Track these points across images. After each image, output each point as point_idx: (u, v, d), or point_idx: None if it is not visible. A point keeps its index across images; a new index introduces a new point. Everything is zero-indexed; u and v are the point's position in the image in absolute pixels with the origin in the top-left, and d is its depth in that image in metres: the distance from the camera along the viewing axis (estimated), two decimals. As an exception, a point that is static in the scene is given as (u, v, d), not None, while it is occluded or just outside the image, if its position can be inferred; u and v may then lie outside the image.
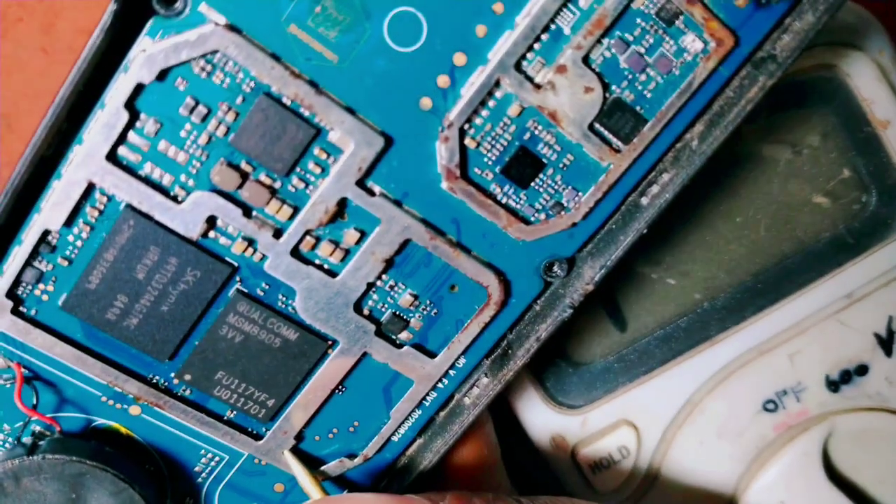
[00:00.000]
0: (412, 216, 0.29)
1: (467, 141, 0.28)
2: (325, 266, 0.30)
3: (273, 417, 0.32)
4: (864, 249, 0.38)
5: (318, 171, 0.28)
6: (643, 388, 0.39)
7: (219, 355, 0.30)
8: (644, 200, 0.30)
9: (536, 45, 0.27)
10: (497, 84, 0.27)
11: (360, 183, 0.28)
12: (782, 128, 0.37)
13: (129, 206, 0.27)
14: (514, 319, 0.32)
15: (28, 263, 0.28)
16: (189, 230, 0.28)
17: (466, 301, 0.31)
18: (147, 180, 0.27)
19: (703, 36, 0.28)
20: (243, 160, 0.27)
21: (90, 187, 0.27)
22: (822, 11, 0.28)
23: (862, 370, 0.39)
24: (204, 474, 0.33)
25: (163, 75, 0.26)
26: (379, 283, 0.30)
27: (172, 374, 0.30)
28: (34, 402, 0.30)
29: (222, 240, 0.28)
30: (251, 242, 0.28)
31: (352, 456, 0.33)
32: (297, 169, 0.28)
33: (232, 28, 0.25)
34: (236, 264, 0.29)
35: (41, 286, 0.28)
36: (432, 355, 0.32)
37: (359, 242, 0.29)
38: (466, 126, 0.28)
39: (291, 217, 0.28)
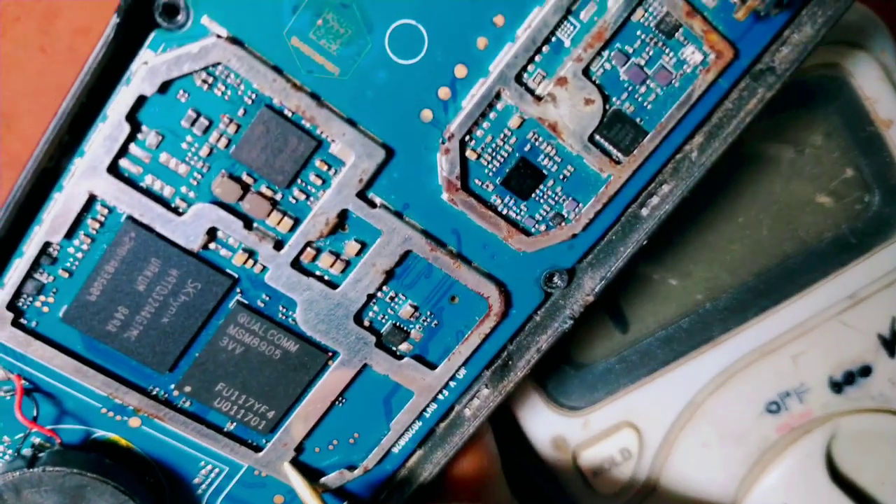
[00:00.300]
0: (413, 227, 0.29)
1: (468, 152, 0.28)
2: (326, 277, 0.30)
3: (273, 429, 0.32)
4: (867, 249, 0.38)
5: (319, 182, 0.28)
6: (645, 389, 0.39)
7: (219, 367, 0.30)
8: (644, 212, 0.30)
9: (537, 58, 0.27)
10: (498, 96, 0.27)
11: (361, 194, 0.28)
12: (785, 127, 0.37)
13: (130, 218, 0.27)
14: (514, 330, 0.32)
15: (29, 275, 0.28)
16: (190, 242, 0.28)
17: (467, 312, 0.31)
18: (148, 192, 0.27)
19: (703, 48, 0.28)
20: (244, 172, 0.27)
21: (91, 199, 0.27)
22: (821, 24, 0.28)
23: (865, 371, 0.39)
24: (204, 486, 0.33)
25: (165, 87, 0.26)
26: (379, 294, 0.30)
27: (172, 386, 0.30)
28: (34, 414, 0.30)
29: (223, 251, 0.28)
30: (252, 254, 0.28)
31: (352, 468, 0.33)
32: (299, 181, 0.28)
33: (234, 41, 0.25)
34: (237, 276, 0.29)
35: (42, 298, 0.28)
36: (433, 367, 0.32)
37: (359, 254, 0.29)
38: (467, 138, 0.28)
39: (292, 229, 0.28)
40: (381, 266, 0.29)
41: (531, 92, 0.28)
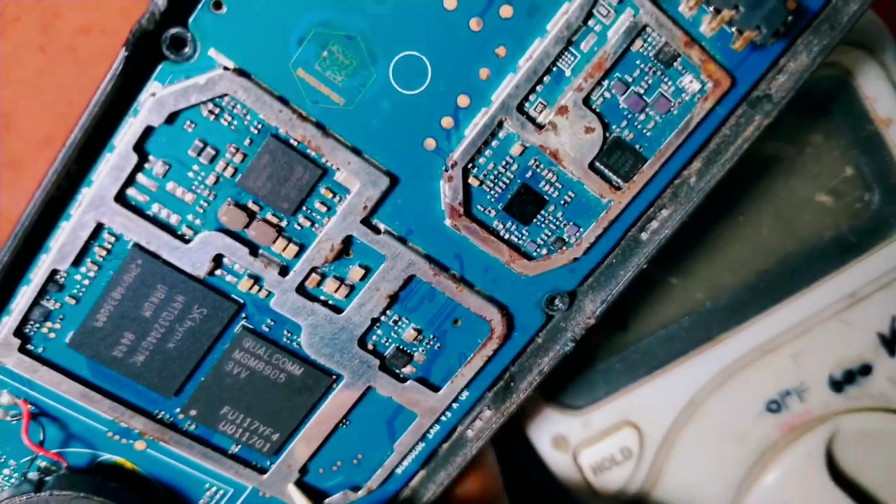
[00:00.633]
0: (416, 253, 0.29)
1: (470, 179, 0.29)
2: (331, 302, 0.30)
3: (278, 451, 0.32)
4: (867, 248, 0.38)
5: (324, 209, 0.28)
6: (645, 388, 0.39)
7: (224, 391, 0.30)
8: (644, 236, 0.31)
9: (538, 87, 0.28)
10: (500, 125, 0.28)
11: (366, 221, 0.28)
12: (785, 126, 0.37)
13: (137, 246, 0.27)
14: (516, 352, 0.33)
15: (36, 302, 0.28)
16: (196, 269, 0.28)
17: (469, 335, 0.32)
18: (155, 220, 0.27)
19: (701, 77, 0.28)
20: (250, 200, 0.28)
21: (98, 227, 0.27)
22: (817, 52, 0.28)
23: (865, 370, 0.39)
24: (208, 508, 0.33)
25: (172, 118, 0.26)
26: (383, 318, 0.31)
27: (178, 410, 0.31)
28: (41, 438, 0.30)
29: (229, 277, 0.29)
30: (257, 280, 0.29)
31: (356, 488, 0.34)
32: (304, 208, 0.28)
33: (241, 72, 0.26)
34: (242, 301, 0.29)
35: (49, 324, 0.28)
36: (436, 389, 0.32)
37: (364, 279, 0.30)
38: (470, 165, 0.28)
39: (298, 255, 0.29)
40: (384, 291, 0.30)
41: (532, 121, 0.28)
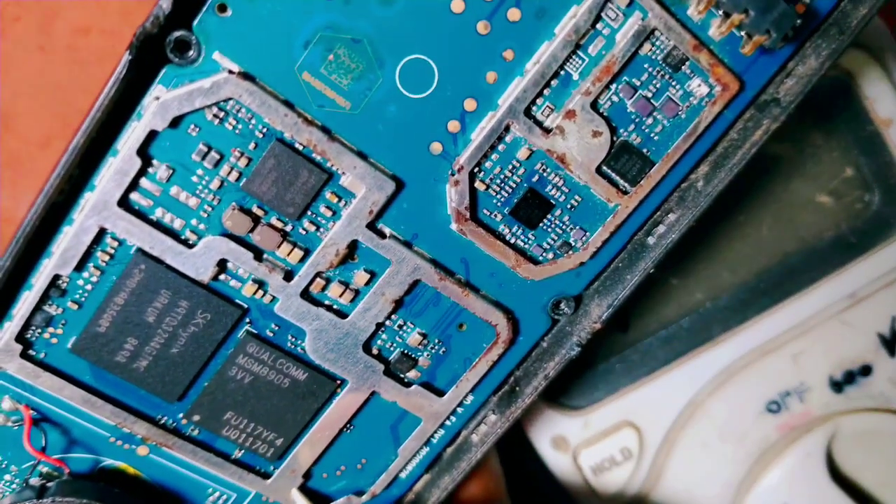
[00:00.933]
0: (422, 257, 0.29)
1: (477, 184, 0.28)
2: (335, 307, 0.30)
3: (281, 456, 0.32)
4: (867, 249, 0.38)
5: (329, 214, 0.28)
6: (645, 388, 0.39)
7: (228, 396, 0.30)
8: (650, 240, 0.31)
9: (546, 91, 0.27)
10: (507, 129, 0.28)
11: (371, 226, 0.28)
12: (785, 126, 0.37)
13: (140, 251, 0.27)
14: (521, 357, 0.32)
15: (38, 307, 0.28)
16: (200, 274, 0.28)
17: (475, 339, 0.31)
18: (158, 225, 0.27)
19: (709, 81, 0.28)
20: (255, 204, 0.27)
21: (101, 232, 0.27)
22: (825, 57, 0.28)
23: (865, 370, 0.39)
24: (211, 513, 0.33)
25: (176, 122, 0.26)
26: (388, 322, 0.30)
27: (181, 415, 0.30)
28: (43, 444, 0.30)
29: (233, 282, 0.28)
30: (262, 285, 0.29)
31: (359, 493, 0.34)
32: (309, 212, 0.28)
33: (245, 76, 0.25)
34: (246, 306, 0.29)
35: (51, 329, 0.28)
36: (440, 393, 0.32)
37: (369, 283, 0.29)
38: (476, 169, 0.28)
39: (302, 259, 0.28)
40: (390, 295, 0.29)
41: (540, 125, 0.28)
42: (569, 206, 0.30)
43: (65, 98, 0.40)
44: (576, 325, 0.32)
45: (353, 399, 0.31)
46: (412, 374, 0.32)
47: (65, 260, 0.27)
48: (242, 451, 0.32)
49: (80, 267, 0.27)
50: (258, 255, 0.28)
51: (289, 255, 0.28)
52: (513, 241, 0.30)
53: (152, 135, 0.26)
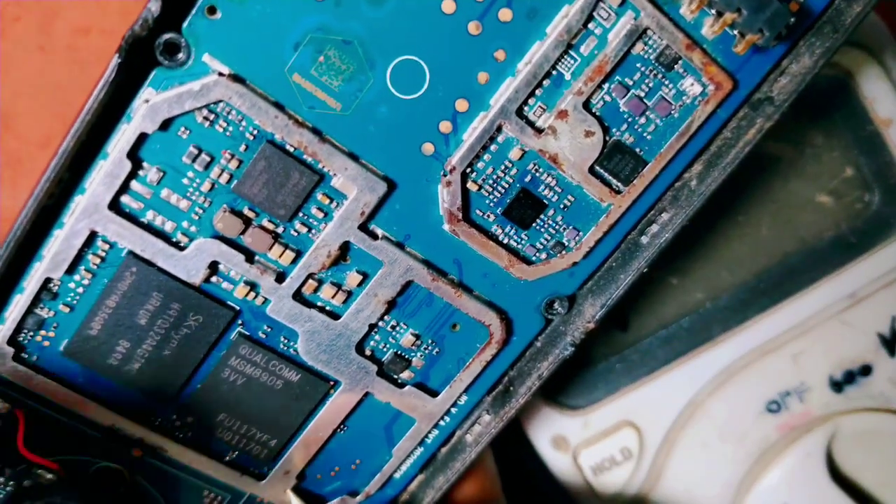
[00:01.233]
0: (414, 258, 0.29)
1: (469, 184, 0.28)
2: (328, 308, 0.30)
3: (275, 457, 0.32)
4: (867, 249, 0.38)
5: (321, 215, 0.28)
6: (645, 388, 0.39)
7: (221, 398, 0.30)
8: (644, 239, 0.30)
9: (538, 91, 0.27)
10: (499, 129, 0.27)
11: (363, 227, 0.28)
12: (784, 126, 0.37)
13: (132, 254, 0.27)
14: (515, 357, 0.32)
15: (29, 311, 0.28)
16: (191, 276, 0.28)
17: (468, 340, 0.31)
18: (149, 228, 0.27)
19: (702, 80, 0.28)
20: (246, 206, 0.27)
21: (92, 235, 0.27)
22: (820, 55, 0.28)
23: (866, 370, 0.39)
24: (206, 514, 0.33)
25: (166, 125, 0.26)
26: (381, 323, 0.30)
27: (174, 417, 0.30)
28: (36, 446, 0.29)
29: (225, 284, 0.28)
30: (253, 286, 0.28)
31: (354, 493, 0.34)
32: (301, 214, 0.28)
33: (235, 78, 0.25)
34: (238, 308, 0.29)
35: (43, 332, 0.28)
36: (434, 394, 0.32)
37: (361, 285, 0.29)
38: (468, 170, 0.28)
39: (294, 261, 0.28)
40: (382, 296, 0.29)
41: (532, 125, 0.28)
42: (562, 206, 0.29)
43: (65, 98, 0.40)
44: (570, 325, 0.32)
45: (347, 400, 0.31)
46: (406, 375, 0.31)
47: (56, 263, 0.27)
48: (236, 453, 0.32)
49: (71, 270, 0.27)
50: (250, 256, 0.28)
51: (280, 256, 0.28)
52: (506, 241, 0.30)
53: (142, 137, 0.26)
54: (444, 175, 0.28)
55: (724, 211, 0.38)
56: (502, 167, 0.28)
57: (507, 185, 0.29)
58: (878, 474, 0.40)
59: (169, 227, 0.27)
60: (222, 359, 0.30)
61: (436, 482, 0.34)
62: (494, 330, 0.31)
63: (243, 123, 0.26)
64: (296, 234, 0.28)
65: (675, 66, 0.28)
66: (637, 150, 0.29)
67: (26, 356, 0.28)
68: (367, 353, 0.31)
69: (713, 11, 0.27)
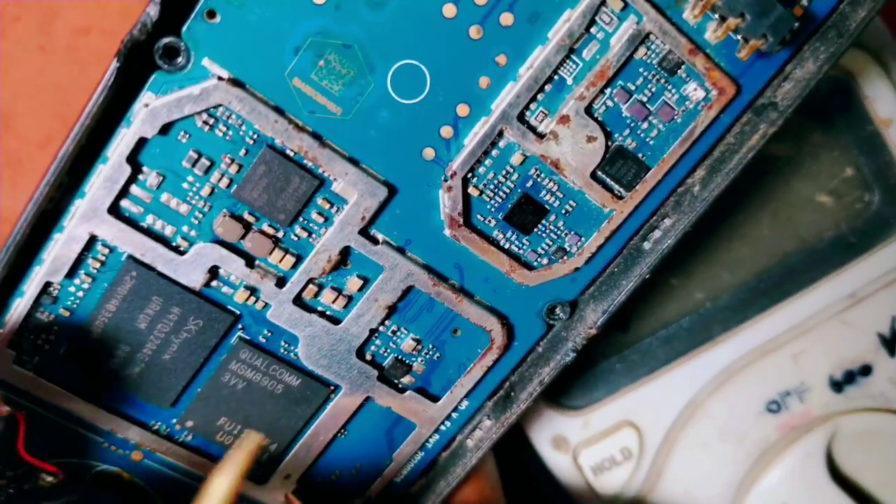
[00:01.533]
0: (415, 263, 0.29)
1: (470, 189, 0.28)
2: (328, 313, 0.30)
3: (276, 462, 0.32)
4: (867, 249, 0.38)
5: (321, 220, 0.28)
6: (645, 388, 0.39)
7: (221, 402, 0.30)
8: (646, 245, 0.30)
9: (539, 96, 0.27)
10: (500, 134, 0.27)
11: (364, 232, 0.28)
12: (784, 126, 0.37)
13: (131, 258, 0.27)
14: (516, 362, 0.32)
15: (30, 314, 0.27)
16: (191, 280, 0.28)
17: (469, 345, 0.31)
18: (149, 232, 0.27)
19: (705, 85, 0.28)
20: (246, 211, 0.27)
21: (92, 239, 0.27)
22: (824, 60, 0.28)
23: (866, 370, 0.38)
24: (206, 517, 0.33)
25: (165, 129, 0.25)
26: (381, 328, 0.30)
27: (175, 421, 0.30)
28: (37, 449, 0.29)
29: (225, 289, 0.28)
30: (254, 291, 0.28)
31: (354, 498, 0.33)
32: (301, 219, 0.28)
33: (235, 82, 0.25)
34: (239, 312, 0.29)
35: (43, 336, 0.28)
36: (435, 399, 0.32)
37: (362, 289, 0.29)
38: (469, 175, 0.28)
39: (294, 266, 0.28)
40: (383, 301, 0.29)
41: (533, 130, 0.27)
42: (563, 212, 0.29)
43: (65, 98, 0.40)
44: (571, 331, 0.31)
45: (348, 404, 0.31)
46: (406, 380, 0.31)
47: (56, 267, 0.27)
48: (236, 457, 0.32)
49: (71, 274, 0.27)
50: (250, 261, 0.28)
51: (281, 261, 0.28)
52: (507, 246, 0.30)
53: (142, 142, 0.26)
54: (445, 180, 0.28)
55: (724, 211, 0.37)
56: (503, 172, 0.28)
57: (508, 191, 0.29)
58: (878, 474, 0.39)
59: (169, 231, 0.27)
60: (223, 363, 0.30)
61: (437, 487, 0.34)
62: (495, 335, 0.31)
63: (243, 128, 0.26)
64: (296, 238, 0.28)
65: (678, 71, 0.27)
66: (639, 155, 0.29)
67: (27, 359, 0.28)
68: (368, 357, 0.31)
69: (716, 16, 0.26)
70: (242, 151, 0.26)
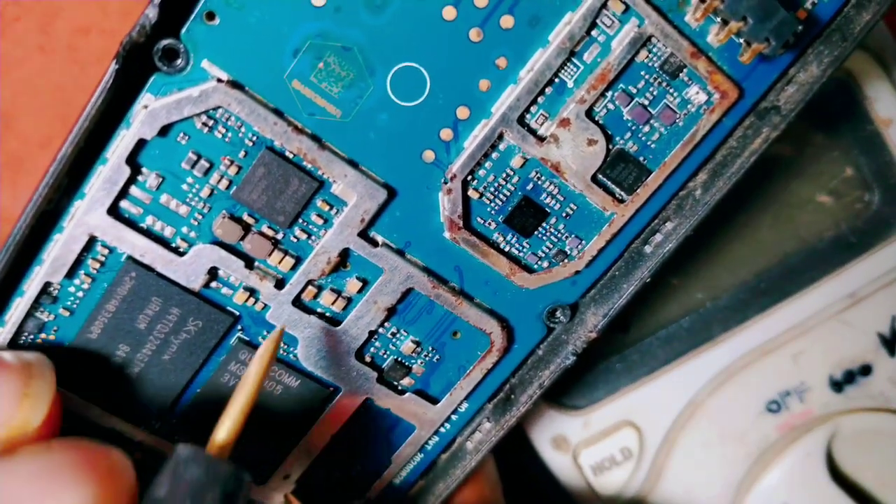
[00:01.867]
0: (415, 265, 0.29)
1: (470, 192, 0.28)
2: (327, 315, 0.29)
3: (275, 462, 0.32)
4: (867, 248, 0.38)
5: (320, 222, 0.28)
6: (645, 388, 0.39)
7: (220, 402, 0.30)
8: (647, 249, 0.30)
9: (540, 99, 0.27)
10: (500, 137, 0.27)
11: (363, 234, 0.28)
12: (784, 131, 0.37)
13: (131, 258, 0.27)
14: (516, 365, 0.32)
15: (30, 314, 0.28)
16: (191, 281, 0.28)
17: (469, 347, 0.31)
18: (149, 233, 0.27)
19: (707, 88, 0.28)
20: (245, 213, 0.27)
21: (92, 240, 0.27)
22: (828, 64, 0.28)
23: (865, 370, 0.38)
24: (205, 517, 0.33)
25: (165, 131, 0.25)
26: (381, 330, 0.30)
27: (174, 421, 0.30)
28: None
29: (224, 290, 0.28)
30: (253, 292, 0.28)
31: (353, 500, 0.33)
32: (300, 221, 0.28)
33: (234, 84, 0.25)
34: (238, 314, 0.29)
35: (42, 336, 0.28)
36: (434, 401, 0.32)
37: (361, 291, 0.29)
38: (469, 177, 0.28)
39: (294, 267, 0.28)
40: (382, 303, 0.29)
41: (533, 133, 0.27)
42: (564, 215, 0.29)
43: (65, 98, 0.40)
44: (571, 334, 0.31)
45: (347, 406, 0.31)
46: (406, 382, 0.31)
47: (55, 268, 0.27)
48: (235, 457, 0.32)
49: (70, 274, 0.27)
50: (249, 263, 0.28)
51: (280, 263, 0.28)
52: (507, 249, 0.30)
53: (141, 143, 0.26)
54: (445, 182, 0.28)
55: (724, 211, 0.37)
56: (504, 175, 0.28)
57: (508, 193, 0.28)
58: (878, 474, 0.39)
59: (168, 232, 0.27)
60: (222, 364, 0.30)
61: (436, 489, 0.34)
62: (495, 338, 0.31)
63: (242, 130, 0.26)
64: (295, 240, 0.28)
65: (680, 75, 0.27)
66: (641, 158, 0.28)
67: (27, 359, 0.28)
68: (367, 359, 0.31)
69: (719, 20, 0.26)
70: (242, 153, 0.26)
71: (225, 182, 0.27)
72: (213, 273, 0.28)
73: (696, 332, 0.38)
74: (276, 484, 0.32)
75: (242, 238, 0.27)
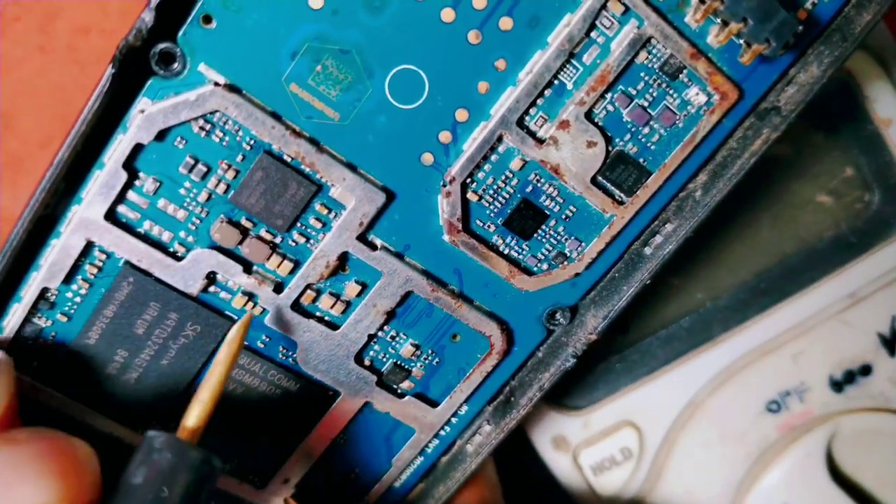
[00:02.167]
0: (414, 269, 0.29)
1: (469, 194, 0.28)
2: (326, 318, 0.29)
3: (274, 466, 0.32)
4: (867, 248, 0.37)
5: (319, 226, 0.28)
6: (645, 388, 0.39)
7: (219, 407, 0.30)
8: (647, 250, 0.30)
9: (539, 101, 0.27)
10: (499, 139, 0.27)
11: (362, 237, 0.28)
12: (784, 132, 0.37)
13: (129, 264, 0.27)
14: (516, 367, 0.32)
15: (27, 320, 0.27)
16: (189, 286, 0.28)
17: (468, 350, 0.31)
18: (146, 238, 0.27)
19: (707, 89, 0.27)
20: (243, 217, 0.27)
21: (89, 245, 0.26)
22: (828, 64, 0.27)
23: (866, 370, 0.38)
24: (205, 521, 0.33)
25: (162, 135, 0.25)
26: (380, 334, 0.30)
27: (173, 425, 0.30)
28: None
29: (222, 294, 0.28)
30: (251, 297, 0.28)
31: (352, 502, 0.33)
32: (298, 224, 0.27)
33: (232, 88, 0.25)
34: (236, 318, 0.29)
35: (41, 341, 0.28)
36: (434, 404, 0.32)
37: (360, 295, 0.29)
38: (468, 180, 0.28)
39: (292, 272, 0.28)
40: (381, 307, 0.29)
41: (533, 135, 0.27)
42: (563, 217, 0.29)
43: (65, 98, 0.40)
44: (571, 336, 0.31)
45: (346, 409, 0.31)
46: (405, 385, 0.31)
47: (53, 273, 0.27)
48: (235, 461, 0.32)
49: (68, 280, 0.27)
50: (247, 267, 0.28)
51: (278, 267, 0.28)
52: (506, 251, 0.29)
53: (138, 148, 0.25)
54: (444, 185, 0.28)
55: (724, 211, 0.37)
56: (503, 177, 0.28)
57: (507, 196, 0.28)
58: (878, 474, 0.39)
59: (166, 237, 0.27)
60: (220, 368, 0.29)
61: (436, 492, 0.33)
62: (495, 340, 0.31)
63: (240, 133, 0.26)
64: (294, 244, 0.28)
65: (680, 76, 0.27)
66: (640, 160, 0.28)
67: (25, 364, 0.28)
68: (367, 363, 0.31)
69: (718, 21, 0.26)
70: (239, 157, 0.26)
71: (223, 186, 0.26)
72: (211, 277, 0.28)
73: (696, 332, 0.38)
74: (275, 488, 0.32)
75: (240, 242, 0.27)
